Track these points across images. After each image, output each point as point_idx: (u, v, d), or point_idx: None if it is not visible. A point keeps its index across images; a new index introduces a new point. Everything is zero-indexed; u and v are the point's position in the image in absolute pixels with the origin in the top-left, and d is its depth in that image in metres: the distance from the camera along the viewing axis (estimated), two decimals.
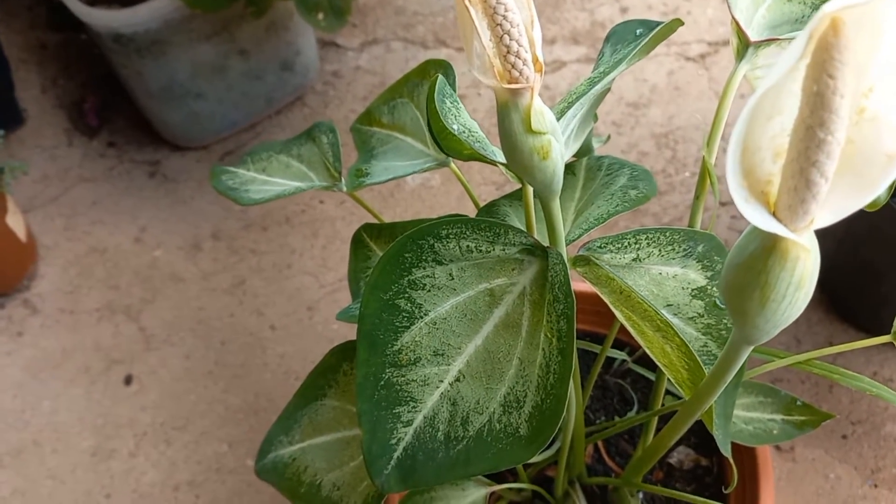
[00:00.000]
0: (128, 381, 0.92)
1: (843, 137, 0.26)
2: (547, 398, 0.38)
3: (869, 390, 0.46)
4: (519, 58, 0.34)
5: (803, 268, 0.29)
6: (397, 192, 1.02)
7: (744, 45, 0.39)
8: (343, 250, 0.99)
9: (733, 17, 0.38)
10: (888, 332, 0.58)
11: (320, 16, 0.87)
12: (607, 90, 0.51)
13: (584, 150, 0.55)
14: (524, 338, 0.41)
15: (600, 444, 0.68)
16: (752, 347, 0.34)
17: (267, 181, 0.60)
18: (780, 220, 0.28)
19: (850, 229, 0.80)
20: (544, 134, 0.36)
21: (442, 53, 1.14)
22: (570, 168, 0.53)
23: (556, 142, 0.36)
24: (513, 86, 0.34)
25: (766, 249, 0.29)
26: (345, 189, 0.56)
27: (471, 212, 0.54)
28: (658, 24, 0.43)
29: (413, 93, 0.60)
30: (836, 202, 0.28)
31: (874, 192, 0.27)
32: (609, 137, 0.65)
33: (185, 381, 0.91)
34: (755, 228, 0.29)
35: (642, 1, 1.17)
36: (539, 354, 0.40)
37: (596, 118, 0.58)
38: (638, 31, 0.45)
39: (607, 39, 0.48)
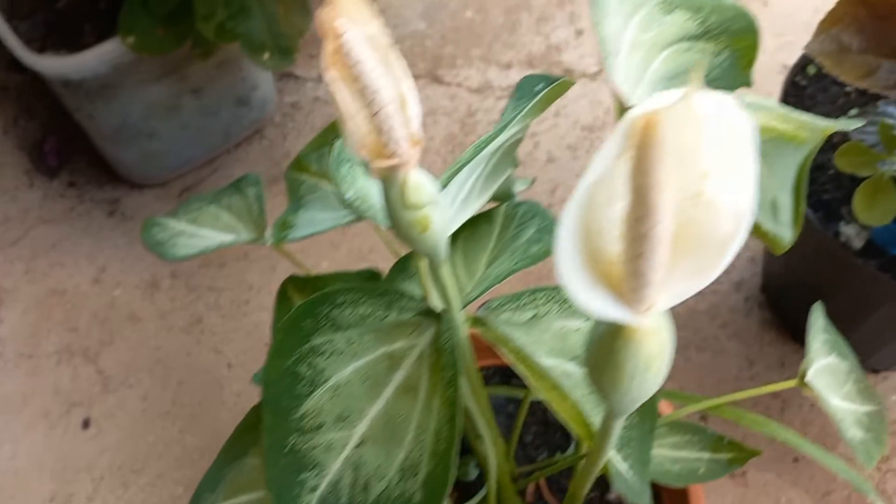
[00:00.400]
0: (86, 424, 0.92)
1: (669, 228, 0.26)
2: (438, 465, 0.39)
3: (776, 435, 0.47)
4: (392, 136, 0.34)
5: (649, 350, 0.29)
6: (350, 227, 1.03)
7: (622, 110, 0.39)
8: None
9: (610, 84, 0.39)
10: None
11: (266, 55, 0.87)
12: (520, 139, 0.52)
13: (504, 196, 0.56)
14: (422, 402, 0.41)
15: (542, 481, 0.68)
16: (622, 418, 0.35)
17: (196, 233, 0.60)
18: (623, 303, 0.28)
19: (792, 253, 0.81)
20: (422, 207, 0.36)
21: None
22: (487, 216, 0.54)
23: (438, 213, 0.37)
24: (388, 162, 0.35)
25: (613, 332, 0.29)
26: (269, 243, 0.56)
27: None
28: (556, 79, 0.44)
29: None
30: (676, 285, 0.28)
31: (712, 275, 0.28)
32: (534, 180, 0.65)
33: (143, 423, 0.91)
34: None
35: None
36: (433, 420, 0.40)
37: (516, 163, 0.59)
38: (538, 87, 0.45)
39: (514, 92, 0.48)
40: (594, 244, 0.29)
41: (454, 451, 0.38)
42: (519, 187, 0.60)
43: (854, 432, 0.52)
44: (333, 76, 0.33)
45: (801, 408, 0.86)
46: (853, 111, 0.75)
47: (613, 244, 0.29)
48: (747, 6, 0.47)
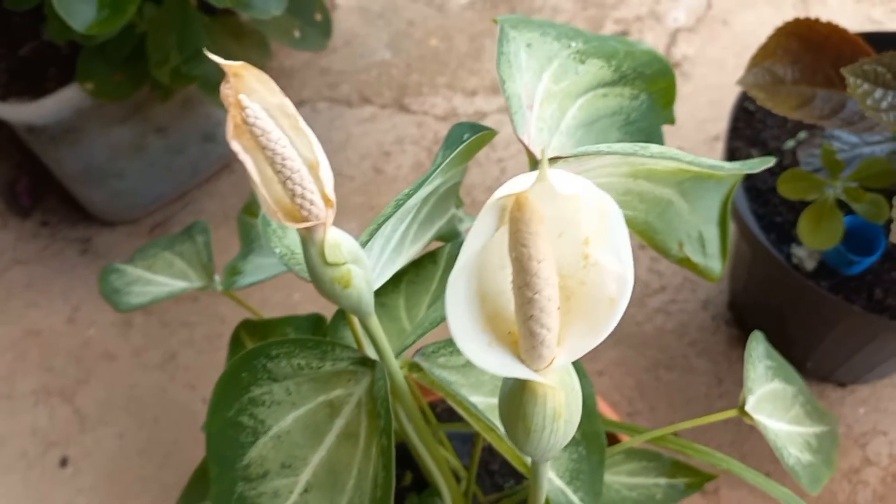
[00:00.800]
0: (63, 463, 0.93)
1: (554, 294, 0.27)
2: None
3: (718, 464, 0.48)
4: (304, 199, 0.35)
5: (554, 403, 0.30)
6: None
7: (533, 162, 0.40)
8: (277, 314, 1.01)
9: (519, 138, 0.40)
10: (798, 369, 0.60)
11: None
12: (457, 183, 0.53)
13: (448, 236, 0.57)
14: (361, 448, 0.42)
15: None
16: (547, 464, 0.36)
17: (151, 280, 0.61)
18: (523, 361, 0.29)
19: (750, 274, 0.82)
20: (342, 265, 0.37)
21: (366, 112, 1.16)
22: (431, 256, 0.55)
23: (359, 269, 0.38)
24: (303, 224, 0.36)
25: (520, 387, 0.30)
26: (219, 289, 0.57)
27: None
28: (481, 129, 0.45)
29: None
30: (572, 342, 0.29)
31: (604, 332, 0.29)
32: None
33: (120, 461, 0.92)
34: None
35: None
36: (371, 467, 0.41)
37: (460, 202, 0.60)
38: (465, 136, 0.46)
39: (444, 140, 0.49)
40: (493, 306, 0.30)
41: (390, 498, 0.38)
42: (466, 224, 0.61)
43: (800, 456, 0.53)
44: (240, 146, 0.34)
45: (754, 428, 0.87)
46: (802, 134, 0.76)
47: (510, 304, 0.30)
48: (708, 27, 0.48)
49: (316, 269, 0.37)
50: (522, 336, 0.29)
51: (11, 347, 1.01)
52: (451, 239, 0.58)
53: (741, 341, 0.92)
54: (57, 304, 1.04)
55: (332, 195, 0.36)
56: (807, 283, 0.69)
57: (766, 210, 0.75)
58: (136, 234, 1.08)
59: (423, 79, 1.18)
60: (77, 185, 1.01)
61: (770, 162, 0.44)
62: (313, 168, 0.36)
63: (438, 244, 0.57)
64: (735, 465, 0.48)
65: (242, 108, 0.34)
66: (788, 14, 1.18)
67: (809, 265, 0.71)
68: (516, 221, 0.25)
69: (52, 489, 0.91)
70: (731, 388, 0.91)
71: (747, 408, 0.49)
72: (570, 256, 0.28)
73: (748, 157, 0.76)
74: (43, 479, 0.92)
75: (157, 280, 0.61)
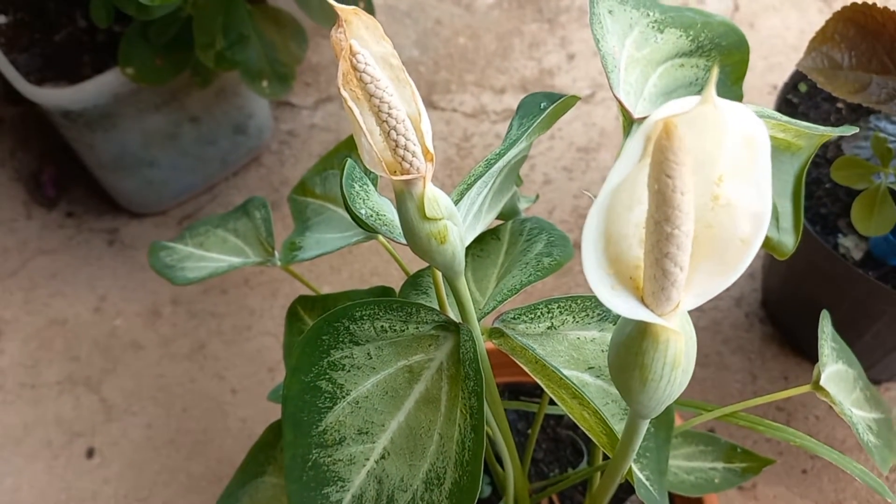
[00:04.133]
0: (90, 453, 0.92)
1: (691, 229, 0.27)
2: (464, 475, 0.39)
3: (792, 440, 0.47)
4: (408, 150, 0.35)
5: (675, 349, 0.30)
6: (350, 251, 1.03)
7: (629, 122, 0.40)
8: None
9: (616, 97, 0.40)
10: None
11: (265, 83, 0.89)
12: (524, 157, 0.53)
13: (509, 213, 0.57)
14: (443, 413, 0.41)
15: (555, 497, 0.68)
16: (647, 421, 0.35)
17: (203, 256, 0.61)
18: (647, 305, 0.29)
19: (791, 266, 0.82)
20: (440, 220, 0.37)
21: None
22: (494, 233, 0.55)
23: (454, 225, 0.37)
24: (404, 177, 0.36)
25: (640, 332, 0.30)
26: (278, 264, 0.57)
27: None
28: (560, 97, 0.45)
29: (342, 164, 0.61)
30: (699, 285, 0.29)
31: (734, 275, 0.28)
32: (538, 197, 0.66)
33: (147, 451, 0.91)
34: None
35: (588, 47, 1.19)
36: (456, 430, 0.40)
37: (520, 181, 0.60)
38: (542, 105, 0.46)
39: (517, 110, 0.49)
40: (616, 250, 0.29)
41: (481, 461, 0.38)
42: (523, 205, 0.61)
43: (867, 437, 0.53)
44: (348, 95, 0.34)
45: (806, 419, 0.86)
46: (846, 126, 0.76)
47: (634, 249, 0.30)
48: None
49: (413, 224, 0.37)
50: (650, 278, 0.28)
51: (36, 336, 1.00)
52: (512, 217, 0.57)
53: (774, 339, 0.92)
54: (83, 293, 1.03)
55: (431, 148, 0.36)
56: (856, 271, 0.69)
57: (810, 202, 0.75)
58: (164, 226, 1.07)
59: (452, 76, 1.18)
60: (108, 173, 1.00)
61: (854, 129, 0.44)
62: (414, 120, 0.36)
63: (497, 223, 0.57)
64: (809, 440, 0.47)
65: (354, 54, 0.33)
66: (814, 18, 1.19)
67: (856, 255, 0.71)
68: (663, 150, 0.25)
69: (77, 478, 0.90)
70: (765, 385, 0.90)
71: (821, 383, 0.49)
72: (700, 198, 0.28)
73: None
74: (68, 469, 0.91)
75: (211, 256, 0.60)
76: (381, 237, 0.54)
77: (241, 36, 0.80)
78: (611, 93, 1.15)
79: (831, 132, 0.42)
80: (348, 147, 0.58)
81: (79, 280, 1.04)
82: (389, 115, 0.34)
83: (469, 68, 1.19)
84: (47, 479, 0.90)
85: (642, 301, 0.29)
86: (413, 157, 0.35)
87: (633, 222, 0.29)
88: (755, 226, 0.27)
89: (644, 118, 0.37)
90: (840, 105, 0.81)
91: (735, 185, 0.28)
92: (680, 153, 0.25)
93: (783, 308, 0.91)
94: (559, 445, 0.71)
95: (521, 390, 0.73)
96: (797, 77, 0.81)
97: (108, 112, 0.91)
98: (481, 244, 0.54)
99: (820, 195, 0.75)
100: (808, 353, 0.90)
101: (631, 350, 0.30)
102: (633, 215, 0.29)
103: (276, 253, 0.57)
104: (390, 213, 0.44)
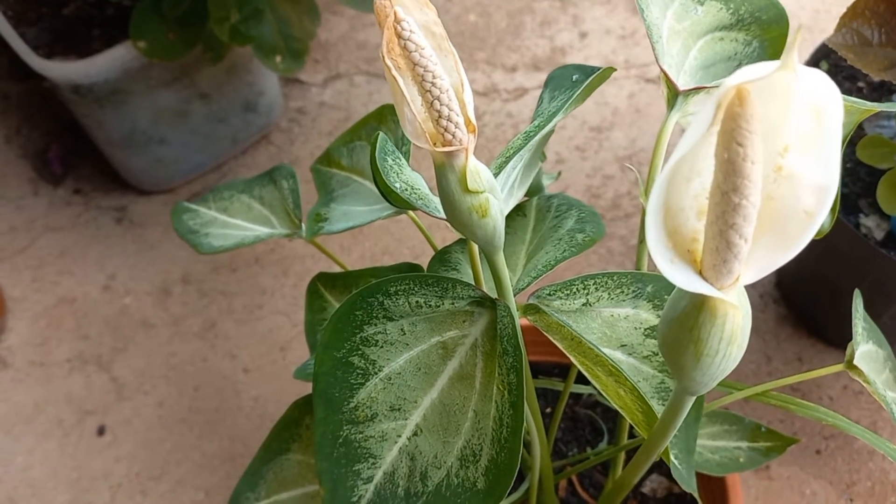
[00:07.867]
0: (101, 432, 0.91)
1: (759, 200, 0.26)
2: (501, 451, 0.38)
3: (824, 419, 0.47)
4: (451, 121, 0.34)
5: (733, 323, 0.29)
6: (361, 231, 1.02)
7: (673, 94, 0.40)
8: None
9: (661, 68, 0.39)
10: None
11: (278, 59, 0.87)
12: (551, 132, 0.52)
13: (534, 190, 0.56)
14: (478, 390, 0.41)
15: (574, 477, 0.68)
16: (694, 397, 0.35)
17: (227, 223, 0.60)
18: (706, 279, 0.28)
19: (808, 247, 0.81)
20: (481, 193, 0.36)
21: None
22: (520, 209, 0.54)
23: (495, 199, 0.37)
24: (447, 148, 0.35)
25: (696, 306, 0.29)
26: (304, 236, 0.56)
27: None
28: (594, 70, 0.44)
29: (371, 136, 0.60)
30: (760, 259, 0.28)
31: (796, 248, 0.28)
32: (559, 174, 0.65)
33: (159, 430, 0.91)
34: None
35: (600, 25, 1.18)
36: (493, 407, 0.40)
37: (544, 157, 0.59)
38: (574, 77, 0.45)
39: (546, 84, 0.48)
40: (674, 223, 0.29)
41: (520, 437, 0.37)
42: (547, 181, 0.60)
43: None
44: (392, 64, 0.33)
45: (819, 399, 0.86)
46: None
47: (691, 221, 0.29)
48: None
49: (454, 197, 0.36)
50: (711, 250, 0.28)
51: (45, 314, 1.00)
52: (537, 193, 0.57)
53: (788, 320, 0.92)
54: (92, 272, 1.02)
55: (474, 119, 0.35)
56: (879, 251, 0.68)
57: None
58: (173, 204, 1.06)
59: (462, 54, 1.17)
60: (117, 150, 0.99)
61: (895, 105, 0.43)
62: (457, 90, 0.35)
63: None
64: (841, 419, 0.47)
65: (398, 21, 0.32)
66: None
67: (878, 235, 0.71)
68: (736, 118, 0.25)
69: (89, 457, 0.90)
70: (780, 366, 0.90)
71: (854, 362, 0.48)
72: (763, 168, 0.28)
73: None
74: (80, 447, 0.90)
75: (236, 223, 0.59)
76: (410, 212, 0.54)
77: (255, 10, 0.79)
78: (622, 73, 1.13)
79: (875, 107, 0.41)
80: (377, 118, 0.57)
81: (87, 258, 1.03)
82: (434, 84, 0.34)
83: (480, 46, 1.18)
84: (59, 458, 0.90)
85: (700, 274, 0.29)
86: (456, 128, 0.35)
87: (690, 194, 0.29)
88: (819, 198, 0.27)
89: (690, 90, 0.36)
90: (861, 84, 0.80)
91: (800, 155, 0.27)
92: (753, 121, 0.24)
93: (798, 289, 0.90)
94: (578, 425, 0.71)
95: (538, 370, 0.73)
96: (818, 55, 0.80)
97: (118, 87, 0.90)
98: (508, 220, 0.53)
99: (841, 175, 0.74)
100: (823, 335, 0.89)
101: (686, 325, 0.30)
102: (691, 186, 0.28)
103: (303, 226, 0.56)
104: (423, 188, 0.43)
